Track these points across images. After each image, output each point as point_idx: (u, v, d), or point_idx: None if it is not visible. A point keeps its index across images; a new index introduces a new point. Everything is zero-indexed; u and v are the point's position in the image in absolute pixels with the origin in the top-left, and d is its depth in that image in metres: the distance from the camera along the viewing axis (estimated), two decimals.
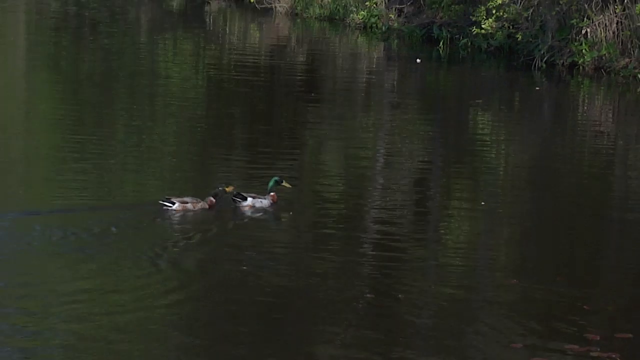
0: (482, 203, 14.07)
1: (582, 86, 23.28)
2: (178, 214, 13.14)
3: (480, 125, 19.83)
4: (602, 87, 23.11)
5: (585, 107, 22.08)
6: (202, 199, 13.16)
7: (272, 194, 13.37)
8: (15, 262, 10.98)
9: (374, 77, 25.86)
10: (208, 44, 30.32)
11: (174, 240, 11.93)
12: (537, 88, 23.45)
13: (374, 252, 11.39)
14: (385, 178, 15.12)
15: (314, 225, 12.41)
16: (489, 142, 18.54)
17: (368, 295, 10.14)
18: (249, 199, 13.52)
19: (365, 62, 28.16)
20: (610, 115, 21.54)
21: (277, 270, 10.84)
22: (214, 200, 13.11)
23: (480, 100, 21.50)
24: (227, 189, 13.40)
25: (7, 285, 10.11)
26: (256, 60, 26.71)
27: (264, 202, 13.52)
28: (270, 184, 13.72)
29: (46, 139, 18.17)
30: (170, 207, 13.07)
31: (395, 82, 24.79)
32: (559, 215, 13.70)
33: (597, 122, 20.53)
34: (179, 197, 13.19)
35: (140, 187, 14.62)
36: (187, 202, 13.17)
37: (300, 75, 24.93)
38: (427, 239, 12.41)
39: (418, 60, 25.96)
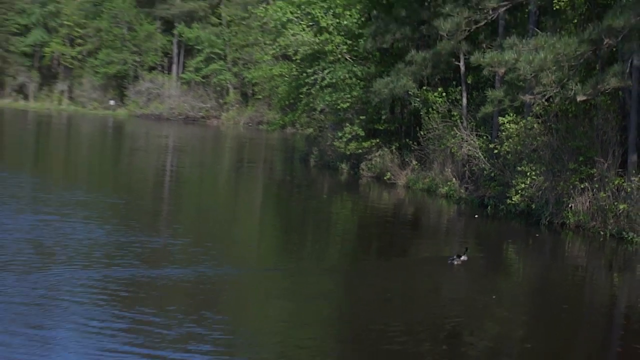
0: (494, 297, 15.59)
1: (567, 236, 26.55)
2: (459, 266, 16.10)
3: (508, 256, 23.42)
4: (579, 237, 26.33)
5: (569, 249, 24.99)
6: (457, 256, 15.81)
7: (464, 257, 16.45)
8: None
9: (450, 224, 29.61)
10: (359, 200, 35.09)
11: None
12: (537, 235, 26.32)
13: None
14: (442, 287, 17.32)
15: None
16: (510, 265, 21.78)
17: None
18: (464, 256, 16.39)
19: (445, 216, 31.79)
20: (584, 254, 24.50)
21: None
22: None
23: (510, 240, 25.74)
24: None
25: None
26: (385, 211, 31.17)
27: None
28: (465, 250, 16.74)
29: (267, 234, 23.93)
30: (455, 262, 15.24)
31: (462, 229, 28.22)
32: (555, 318, 15.37)
33: (577, 258, 23.70)
34: (456, 255, 15.49)
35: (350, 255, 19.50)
36: (460, 258, 15.46)
37: (408, 220, 29.51)
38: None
39: (476, 216, 30.20)
